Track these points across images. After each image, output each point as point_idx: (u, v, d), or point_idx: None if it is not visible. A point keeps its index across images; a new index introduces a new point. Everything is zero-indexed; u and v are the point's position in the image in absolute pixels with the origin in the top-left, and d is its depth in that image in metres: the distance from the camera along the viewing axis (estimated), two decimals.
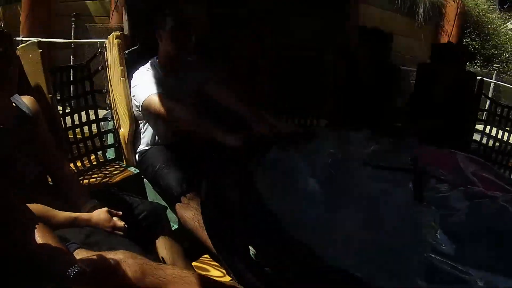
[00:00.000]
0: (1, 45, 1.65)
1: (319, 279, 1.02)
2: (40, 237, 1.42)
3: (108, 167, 2.72)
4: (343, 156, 1.69)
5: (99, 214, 1.82)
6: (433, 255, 1.11)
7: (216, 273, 2.20)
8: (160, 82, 2.39)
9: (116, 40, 2.64)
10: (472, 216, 1.33)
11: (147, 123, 2.54)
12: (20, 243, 1.43)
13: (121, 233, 1.81)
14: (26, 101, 1.89)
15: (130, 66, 2.63)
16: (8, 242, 1.43)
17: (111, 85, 2.70)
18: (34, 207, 1.63)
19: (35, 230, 1.42)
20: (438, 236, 1.19)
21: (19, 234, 1.43)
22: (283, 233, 1.13)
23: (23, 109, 1.84)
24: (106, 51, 2.69)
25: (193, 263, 2.13)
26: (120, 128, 2.69)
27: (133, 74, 2.48)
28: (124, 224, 1.83)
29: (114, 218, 1.83)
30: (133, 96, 2.46)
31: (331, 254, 1.07)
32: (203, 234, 2.05)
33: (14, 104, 1.82)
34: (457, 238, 1.20)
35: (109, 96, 2.76)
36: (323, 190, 1.40)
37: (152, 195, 2.51)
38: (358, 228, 1.22)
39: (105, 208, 1.85)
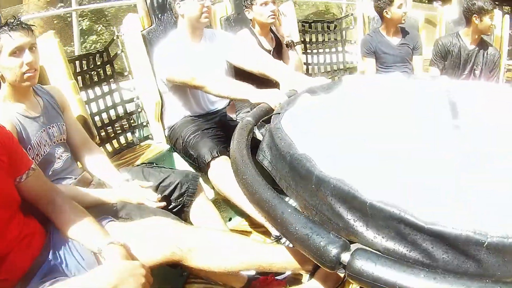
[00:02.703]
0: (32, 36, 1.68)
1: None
2: (73, 215, 1.45)
3: (138, 147, 2.72)
4: (374, 97, 1.62)
5: (130, 187, 1.83)
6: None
7: (254, 238, 2.18)
8: (184, 51, 2.41)
9: (132, 21, 2.66)
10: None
11: (174, 96, 2.55)
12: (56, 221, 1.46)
13: (154, 204, 1.79)
14: (50, 90, 1.91)
15: (148, 44, 2.65)
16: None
17: (132, 65, 2.70)
18: (64, 188, 1.68)
19: (67, 210, 1.46)
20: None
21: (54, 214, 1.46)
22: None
23: (47, 98, 1.86)
24: (123, 34, 2.70)
25: (232, 231, 2.10)
26: (147, 107, 2.71)
27: (155, 48, 2.49)
28: (156, 195, 1.82)
29: (145, 190, 1.84)
30: (157, 69, 2.48)
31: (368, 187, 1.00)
32: (238, 198, 2.04)
33: (38, 94, 1.83)
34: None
35: (132, 77, 2.75)
36: (354, 131, 1.33)
37: (184, 169, 2.47)
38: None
39: (136, 181, 1.87)
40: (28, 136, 1.69)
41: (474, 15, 3.36)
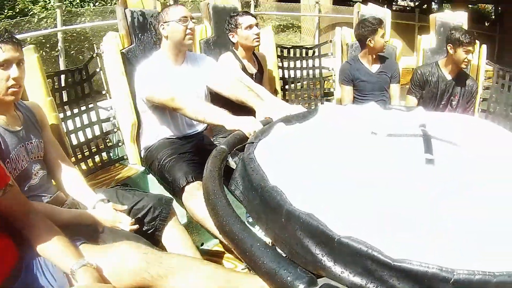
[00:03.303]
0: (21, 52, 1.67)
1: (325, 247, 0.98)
2: (47, 234, 1.45)
3: (113, 167, 2.71)
4: (349, 128, 1.63)
5: (104, 209, 1.82)
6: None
7: (227, 264, 2.16)
8: (166, 73, 2.42)
9: (112, 40, 2.66)
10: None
11: (152, 117, 2.54)
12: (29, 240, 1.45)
13: (127, 227, 1.79)
14: (31, 106, 1.91)
15: (127, 63, 2.67)
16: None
17: (110, 84, 2.70)
18: (40, 206, 1.67)
19: (41, 227, 1.46)
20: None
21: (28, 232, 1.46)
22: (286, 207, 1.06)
23: (28, 114, 1.85)
24: (103, 52, 2.69)
25: (204, 256, 2.09)
26: (123, 127, 2.69)
27: (138, 67, 2.50)
28: (130, 219, 1.82)
29: (119, 213, 1.83)
30: (138, 88, 2.48)
31: (338, 224, 1.00)
32: (211, 224, 2.03)
33: (19, 109, 1.82)
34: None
35: (110, 96, 2.75)
36: (328, 160, 1.34)
37: (158, 192, 2.47)
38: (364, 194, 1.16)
39: (110, 203, 1.86)
40: (8, 149, 1.67)
41: (449, 44, 3.43)
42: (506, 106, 3.91)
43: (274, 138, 1.49)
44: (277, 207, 1.08)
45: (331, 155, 1.37)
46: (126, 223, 1.79)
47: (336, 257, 0.96)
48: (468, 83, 3.57)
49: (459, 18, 4.26)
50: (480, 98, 3.95)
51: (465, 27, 4.12)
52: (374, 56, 3.61)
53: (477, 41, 3.87)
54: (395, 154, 1.42)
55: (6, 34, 1.61)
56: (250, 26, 3.02)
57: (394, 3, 19.56)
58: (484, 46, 3.97)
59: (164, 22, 2.45)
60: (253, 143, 1.44)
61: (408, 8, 19.52)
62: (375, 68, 3.64)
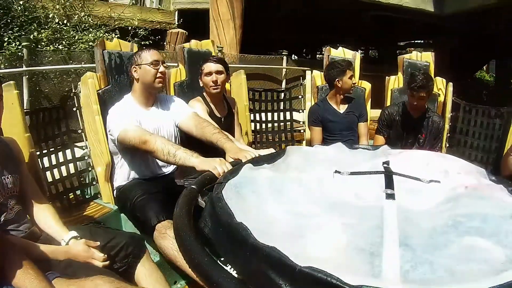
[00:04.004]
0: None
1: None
2: (20, 267, 1.46)
3: (86, 205, 2.73)
4: (314, 167, 1.71)
5: (77, 245, 1.85)
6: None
7: None
8: (136, 115, 2.48)
9: (89, 80, 2.71)
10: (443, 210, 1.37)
11: (123, 158, 2.60)
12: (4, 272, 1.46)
13: (100, 263, 1.83)
14: (10, 142, 1.94)
15: (103, 104, 2.72)
16: None
17: (86, 124, 2.76)
18: (14, 239, 1.70)
19: (15, 261, 1.47)
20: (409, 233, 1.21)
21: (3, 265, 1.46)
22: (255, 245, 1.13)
23: (6, 149, 1.89)
24: (80, 92, 2.75)
25: None
26: (97, 166, 2.74)
27: (109, 110, 2.54)
28: (102, 255, 1.86)
29: (92, 249, 1.86)
30: (109, 130, 2.51)
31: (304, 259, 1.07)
32: (182, 262, 2.06)
33: None
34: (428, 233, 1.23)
35: (85, 135, 2.80)
36: (292, 198, 1.41)
37: (131, 230, 2.48)
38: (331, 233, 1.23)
39: (83, 240, 1.90)
40: None
41: (406, 83, 3.59)
42: (472, 140, 4.06)
43: (242, 178, 1.57)
44: (243, 241, 1.14)
45: (295, 194, 1.45)
46: (99, 259, 1.83)
47: (298, 286, 1.02)
48: (434, 120, 3.67)
49: (425, 58, 4.40)
50: (448, 133, 4.09)
51: (432, 68, 4.30)
52: (342, 97, 3.72)
53: (443, 80, 4.05)
54: (358, 191, 1.51)
55: None
56: (209, 73, 3.03)
57: (318, 53, 20.31)
58: (451, 84, 4.09)
59: (136, 65, 2.54)
60: (221, 183, 1.51)
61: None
62: (343, 108, 3.74)
